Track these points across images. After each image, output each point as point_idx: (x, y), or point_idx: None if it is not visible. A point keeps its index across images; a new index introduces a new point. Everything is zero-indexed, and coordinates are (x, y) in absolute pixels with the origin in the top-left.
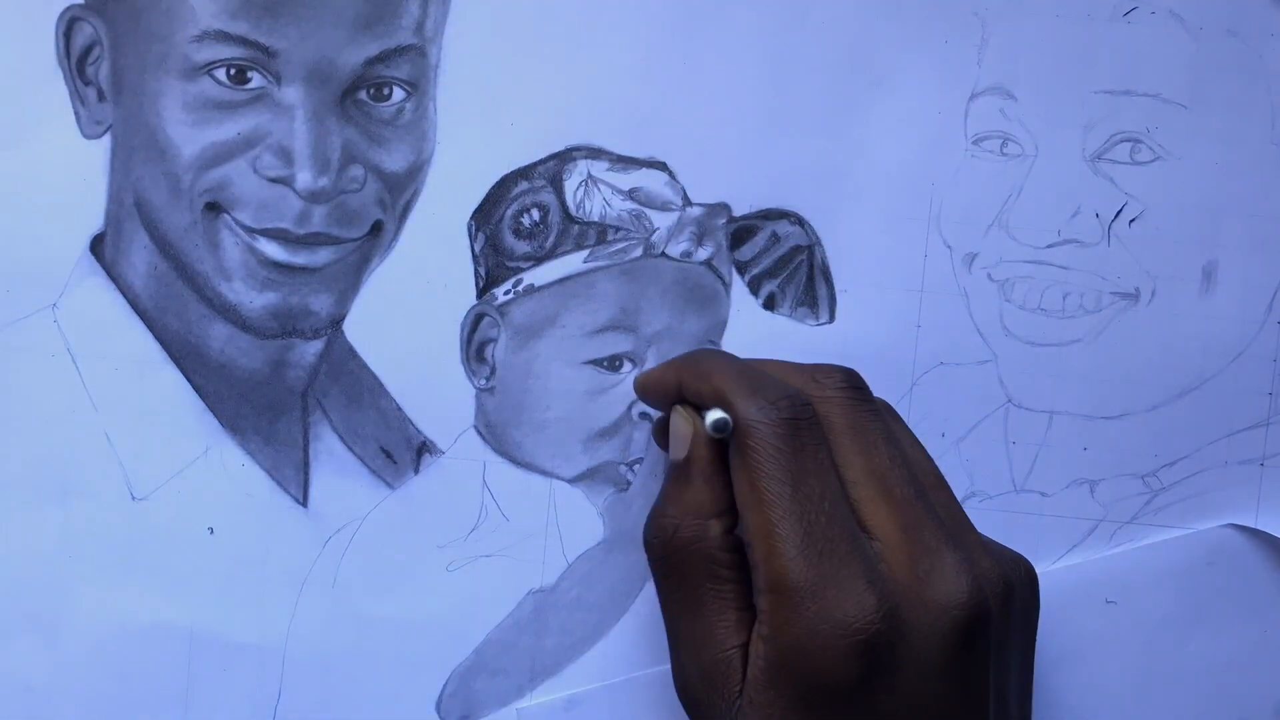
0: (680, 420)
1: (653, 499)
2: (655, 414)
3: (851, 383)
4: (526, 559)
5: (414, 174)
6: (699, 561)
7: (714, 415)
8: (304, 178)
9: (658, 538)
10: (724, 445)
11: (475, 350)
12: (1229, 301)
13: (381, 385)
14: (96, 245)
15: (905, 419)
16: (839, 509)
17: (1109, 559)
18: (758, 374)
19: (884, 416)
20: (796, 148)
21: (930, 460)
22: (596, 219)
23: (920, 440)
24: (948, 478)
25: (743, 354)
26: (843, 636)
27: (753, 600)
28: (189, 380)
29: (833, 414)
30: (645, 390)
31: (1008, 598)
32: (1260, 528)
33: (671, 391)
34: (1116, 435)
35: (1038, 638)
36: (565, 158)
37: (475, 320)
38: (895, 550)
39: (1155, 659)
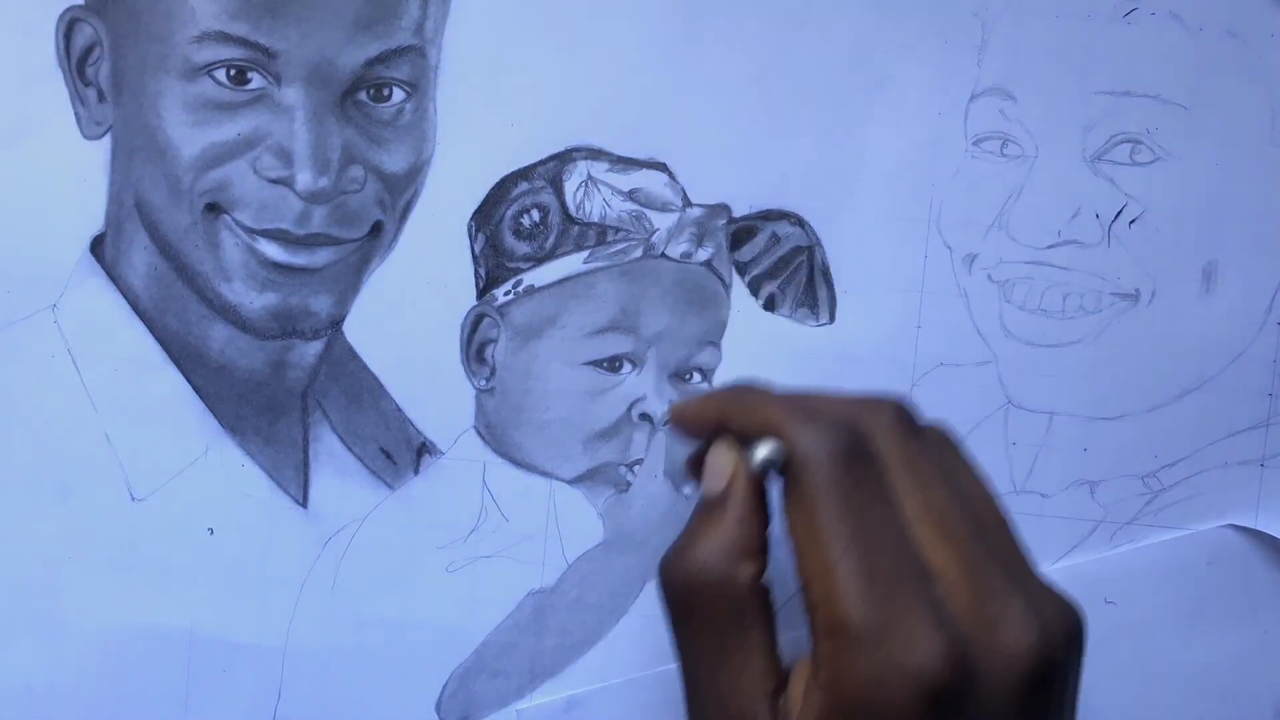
0: (722, 453)
1: (652, 500)
2: (655, 414)
3: (901, 415)
4: (526, 560)
5: (414, 175)
6: (726, 605)
7: (766, 447)
8: (304, 178)
9: (680, 576)
10: (762, 481)
11: (475, 351)
12: (1229, 302)
13: (381, 386)
14: (96, 246)
15: None
16: (903, 546)
17: (1109, 559)
18: (809, 402)
19: (939, 448)
20: (796, 148)
21: (990, 495)
22: (596, 220)
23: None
24: None
25: (742, 354)
26: (909, 684)
27: (776, 650)
28: (189, 381)
29: (885, 447)
30: (681, 421)
31: (1069, 646)
32: (1260, 528)
33: (710, 424)
34: (1116, 436)
35: None
36: (565, 158)
37: (475, 321)
38: (960, 593)
39: (1155, 659)
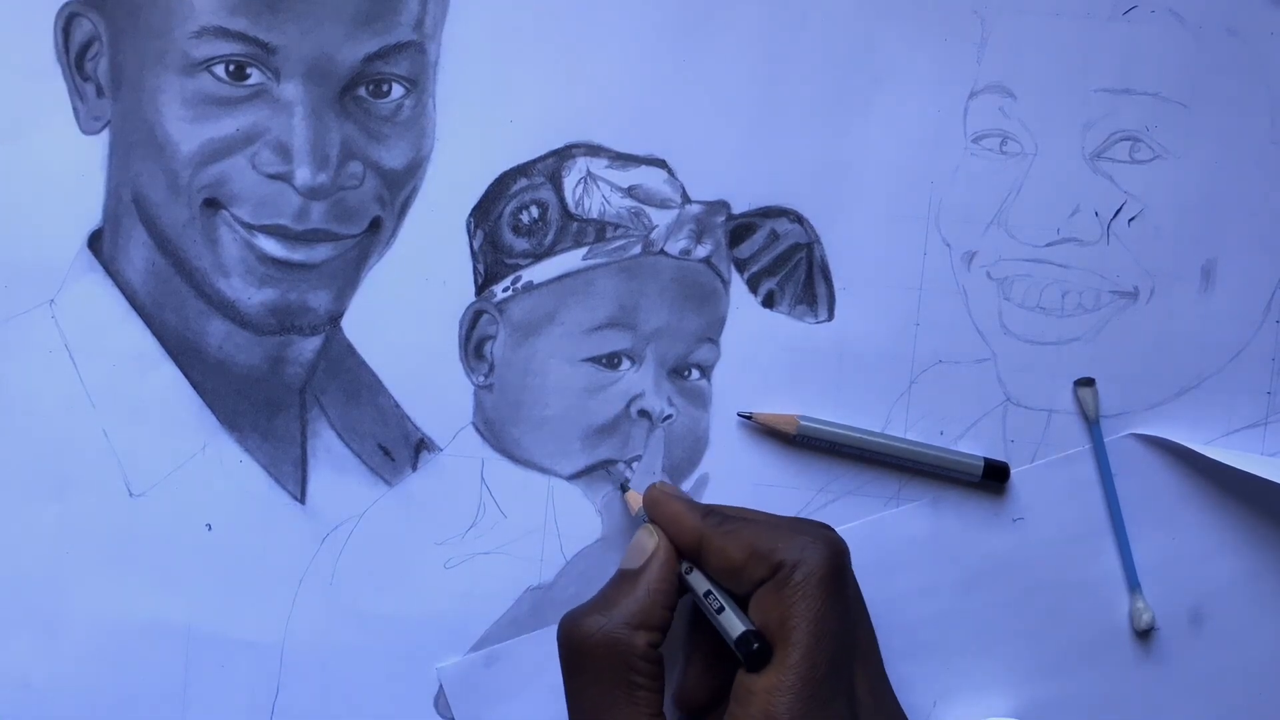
0: (645, 535)
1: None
2: (654, 410)
3: (846, 547)
4: (524, 556)
5: (413, 170)
6: (617, 666)
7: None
8: (303, 174)
9: (575, 635)
10: (675, 568)
11: (474, 347)
12: (1228, 300)
13: (380, 382)
14: (94, 241)
15: (904, 417)
16: (843, 662)
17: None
18: (772, 521)
19: (854, 579)
20: (796, 145)
21: (870, 624)
22: (595, 216)
23: (920, 436)
24: None
25: (741, 351)
26: None
27: (663, 710)
28: (187, 376)
29: (849, 572)
30: (657, 517)
31: None
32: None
33: (688, 539)
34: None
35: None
36: (564, 155)
37: (474, 317)
38: (870, 713)
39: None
